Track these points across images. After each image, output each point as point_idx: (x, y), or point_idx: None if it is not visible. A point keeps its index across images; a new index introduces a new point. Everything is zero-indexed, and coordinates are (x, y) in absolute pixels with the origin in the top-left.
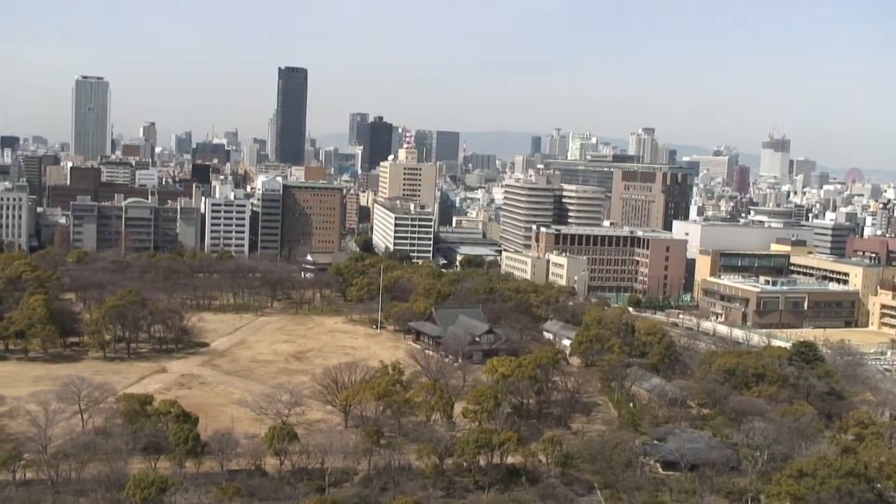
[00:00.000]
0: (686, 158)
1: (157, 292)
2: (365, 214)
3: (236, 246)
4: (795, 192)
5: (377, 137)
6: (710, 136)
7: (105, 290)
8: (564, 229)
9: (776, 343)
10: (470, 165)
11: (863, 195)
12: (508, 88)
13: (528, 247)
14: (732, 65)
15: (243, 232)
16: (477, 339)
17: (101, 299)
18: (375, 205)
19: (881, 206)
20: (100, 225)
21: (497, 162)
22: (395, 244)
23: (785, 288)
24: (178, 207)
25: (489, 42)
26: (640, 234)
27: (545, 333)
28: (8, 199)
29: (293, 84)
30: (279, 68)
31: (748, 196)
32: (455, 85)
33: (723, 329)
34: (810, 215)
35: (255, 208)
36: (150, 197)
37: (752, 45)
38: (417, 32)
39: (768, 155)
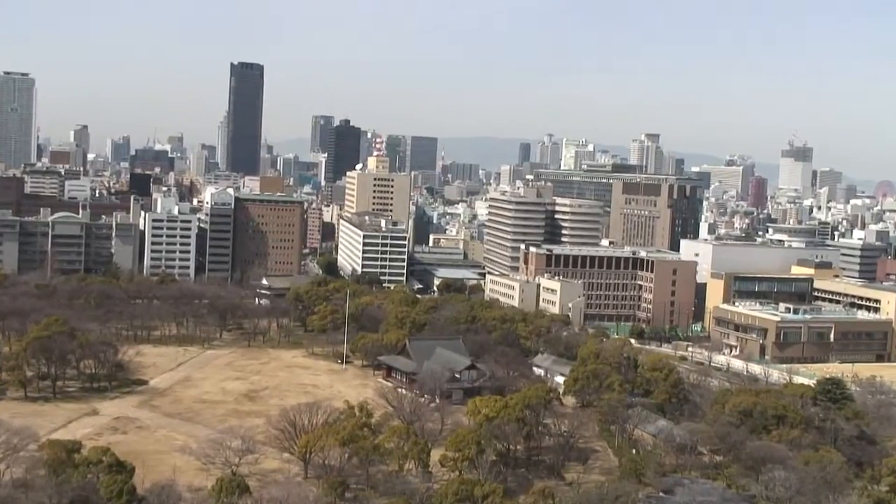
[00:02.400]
0: (695, 168)
1: (88, 322)
2: (329, 232)
3: (180, 268)
4: (819, 207)
5: (343, 143)
6: (723, 144)
7: (27, 318)
8: (557, 249)
9: (799, 380)
10: (449, 176)
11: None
12: (493, 90)
13: (515, 269)
14: (747, 63)
15: (189, 252)
16: (457, 375)
17: (22, 330)
18: (341, 221)
19: None
20: (22, 243)
21: (480, 172)
22: (363, 266)
23: (808, 317)
24: (114, 223)
25: (471, 38)
26: (643, 254)
27: (535, 369)
28: None
29: (247, 82)
30: (231, 64)
31: (766, 211)
32: (433, 85)
33: (738, 364)
34: (836, 234)
35: (202, 225)
36: (81, 211)
37: (768, 41)
38: (391, 25)
39: (788, 165)
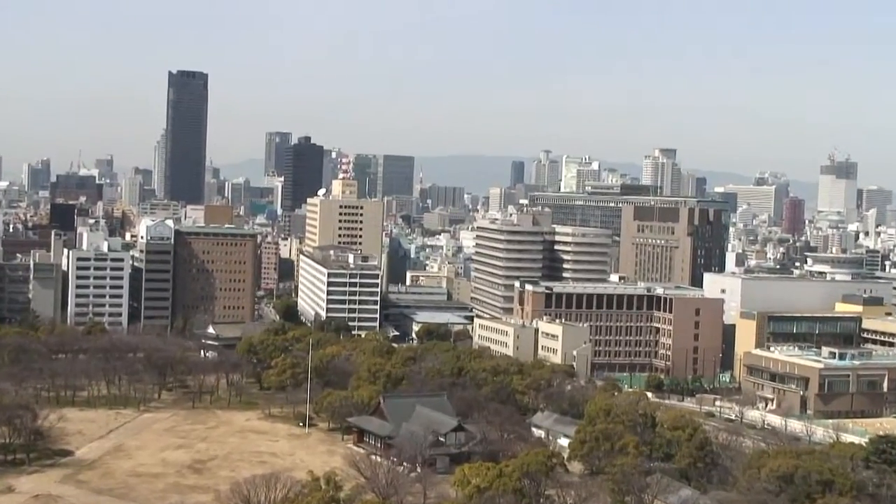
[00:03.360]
0: (719, 189)
1: (0, 381)
2: (287, 270)
3: (111, 315)
4: (866, 233)
5: (303, 165)
6: (751, 159)
7: None
8: (558, 287)
9: (847, 438)
10: (429, 201)
11: None
12: (479, 99)
13: (509, 311)
14: (777, 65)
15: (121, 296)
16: (441, 438)
17: None
18: (301, 257)
19: None
20: None
21: (466, 196)
22: (328, 310)
23: (857, 363)
24: (32, 263)
25: (451, 39)
26: (659, 291)
27: (535, 430)
28: None
29: (189, 94)
30: (169, 73)
31: (803, 238)
32: (408, 95)
33: (775, 420)
34: (887, 263)
35: (136, 263)
36: None
37: (801, 38)
38: (356, 25)
39: (828, 183)
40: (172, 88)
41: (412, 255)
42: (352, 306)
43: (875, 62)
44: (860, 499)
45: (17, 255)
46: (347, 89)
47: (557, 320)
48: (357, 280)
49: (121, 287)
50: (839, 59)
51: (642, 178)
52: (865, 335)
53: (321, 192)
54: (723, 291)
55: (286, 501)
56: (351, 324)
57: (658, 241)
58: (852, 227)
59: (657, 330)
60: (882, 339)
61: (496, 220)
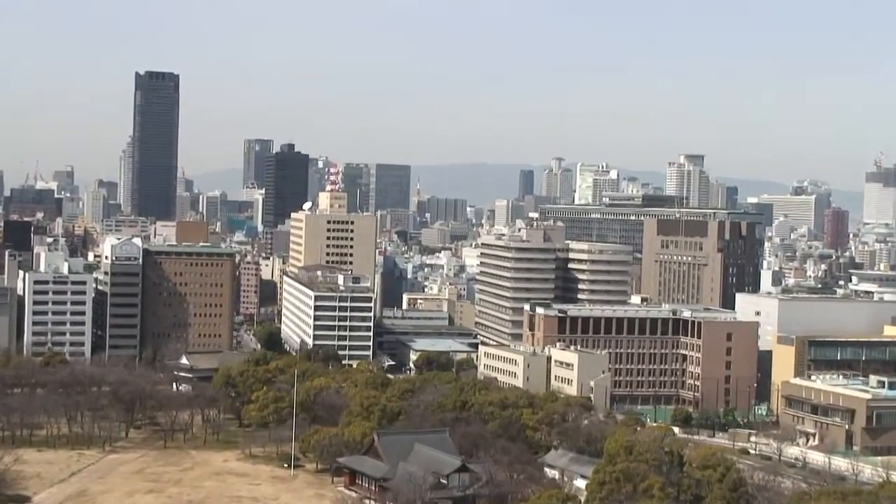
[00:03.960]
0: (752, 199)
1: None
2: (269, 293)
3: (73, 345)
4: None
5: (286, 176)
6: (788, 166)
7: None
8: (573, 310)
9: None
10: (428, 215)
11: None
12: (482, 100)
13: (518, 337)
14: (815, 59)
15: (83, 323)
16: (443, 480)
17: None
18: (285, 278)
19: None
20: None
21: (468, 209)
22: (315, 337)
23: None
24: None
25: (451, 34)
26: (686, 314)
27: (548, 470)
28: None
29: (158, 98)
30: (137, 74)
31: (847, 254)
32: (403, 97)
33: (817, 457)
34: None
35: (100, 287)
36: None
37: (841, 25)
38: (345, 19)
39: (875, 192)
40: (140, 91)
41: (409, 276)
42: (342, 333)
43: None
44: None
45: None
46: (335, 91)
47: (572, 347)
48: (347, 304)
49: (83, 313)
50: (885, 49)
51: (666, 187)
52: None
53: (307, 205)
54: (757, 314)
55: None
56: (341, 352)
57: (684, 259)
58: None
59: (684, 357)
60: None
61: (503, 235)
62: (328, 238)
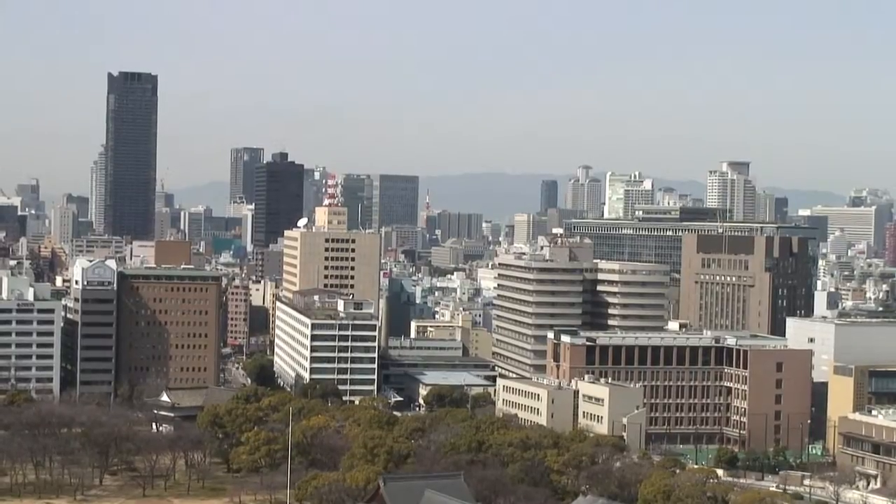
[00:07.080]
0: (804, 212)
1: None
2: (260, 321)
3: (39, 381)
4: None
5: (278, 189)
6: (845, 174)
7: None
8: (602, 337)
9: None
10: (438, 232)
11: None
12: (499, 103)
13: (541, 369)
14: (874, 57)
15: (51, 356)
16: None
17: None
18: (278, 304)
19: None
20: None
21: (484, 225)
22: (313, 371)
23: None
24: None
25: (465, 34)
26: (731, 342)
27: None
28: None
29: (134, 101)
30: (109, 75)
31: None
32: (409, 99)
33: (880, 501)
34: None
35: (70, 315)
36: None
37: None
38: (345, 18)
39: None
40: (113, 94)
41: (418, 301)
42: (342, 366)
43: None
44: None
45: None
46: (332, 94)
47: (602, 380)
48: (348, 332)
49: (51, 345)
50: None
51: (707, 199)
52: None
53: (302, 222)
54: (811, 341)
55: None
56: (342, 388)
57: (728, 279)
58: None
59: (729, 390)
60: None
61: (523, 254)
62: (326, 259)
